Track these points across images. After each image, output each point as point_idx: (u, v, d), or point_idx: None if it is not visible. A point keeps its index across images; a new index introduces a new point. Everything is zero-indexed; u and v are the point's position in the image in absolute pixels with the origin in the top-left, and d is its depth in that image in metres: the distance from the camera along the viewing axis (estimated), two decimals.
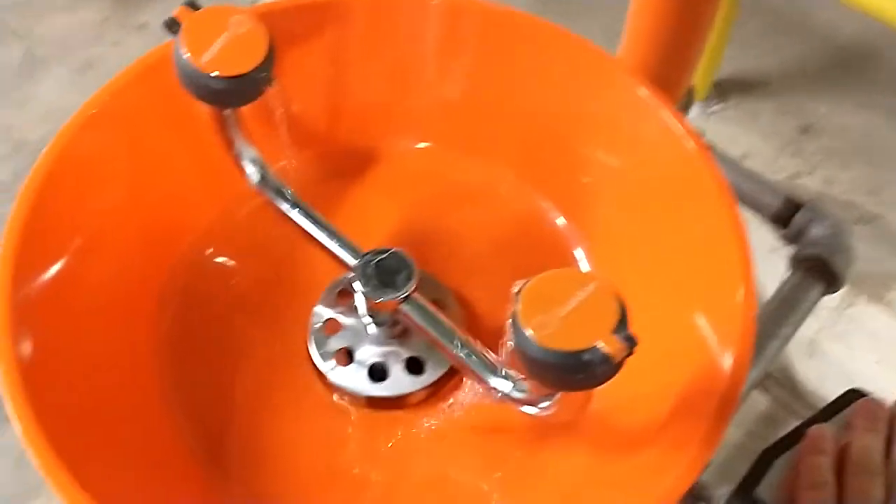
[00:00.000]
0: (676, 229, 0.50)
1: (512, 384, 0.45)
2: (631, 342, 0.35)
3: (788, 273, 0.63)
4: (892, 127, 1.13)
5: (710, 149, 0.49)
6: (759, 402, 1.03)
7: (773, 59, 1.22)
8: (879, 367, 1.07)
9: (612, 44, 0.51)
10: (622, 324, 0.35)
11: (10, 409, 0.39)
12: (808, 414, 0.96)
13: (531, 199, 0.58)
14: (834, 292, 0.62)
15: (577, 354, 0.34)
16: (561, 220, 0.57)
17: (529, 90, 0.55)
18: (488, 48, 0.54)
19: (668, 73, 0.58)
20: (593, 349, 0.34)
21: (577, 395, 0.41)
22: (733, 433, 0.98)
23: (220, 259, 0.55)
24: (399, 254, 0.47)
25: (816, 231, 0.61)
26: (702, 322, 0.46)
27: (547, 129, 0.55)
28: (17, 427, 0.39)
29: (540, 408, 0.43)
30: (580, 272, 0.40)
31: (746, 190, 0.64)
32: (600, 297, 0.35)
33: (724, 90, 1.18)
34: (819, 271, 0.61)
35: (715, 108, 1.15)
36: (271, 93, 0.46)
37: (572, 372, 0.35)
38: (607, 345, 0.34)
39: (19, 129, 1.21)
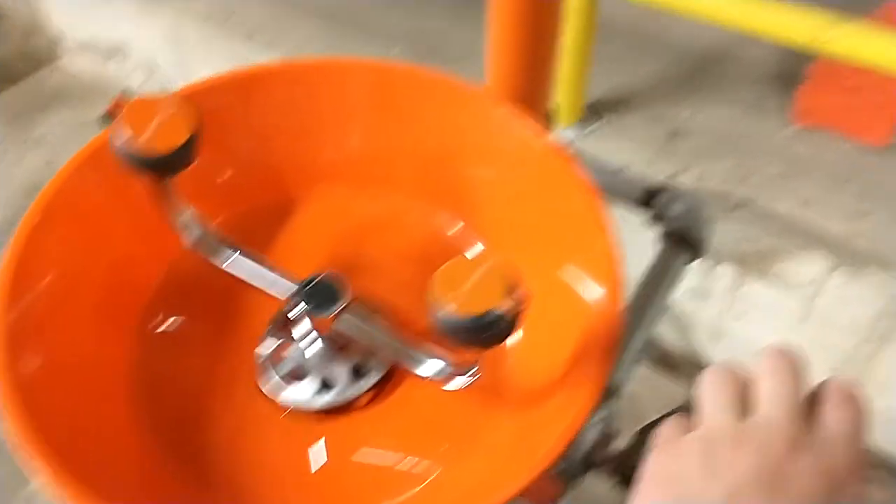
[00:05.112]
0: (549, 210, 0.61)
1: (442, 363, 0.54)
2: (520, 301, 0.45)
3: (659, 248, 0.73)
4: (750, 118, 1.25)
5: (569, 149, 0.60)
6: (676, 394, 1.10)
7: (637, 75, 1.34)
8: (779, 336, 1.16)
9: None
10: (512, 288, 0.45)
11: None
12: None
13: (433, 215, 0.68)
14: (699, 258, 0.73)
15: (482, 316, 0.44)
16: (460, 226, 0.67)
17: (414, 129, 0.66)
18: (375, 101, 0.65)
19: (529, 90, 0.69)
20: (492, 311, 0.44)
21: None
22: None
23: (173, 316, 0.63)
24: (331, 275, 0.56)
25: (676, 208, 0.71)
26: (581, 279, 0.56)
27: (434, 158, 0.66)
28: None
29: (468, 376, 0.52)
30: (478, 256, 0.51)
31: (613, 185, 0.74)
32: (495, 272, 0.45)
33: (597, 110, 1.29)
34: (682, 241, 0.71)
35: (591, 128, 1.27)
36: (204, 160, 0.54)
37: (481, 331, 0.44)
38: (503, 305, 0.44)
39: None
